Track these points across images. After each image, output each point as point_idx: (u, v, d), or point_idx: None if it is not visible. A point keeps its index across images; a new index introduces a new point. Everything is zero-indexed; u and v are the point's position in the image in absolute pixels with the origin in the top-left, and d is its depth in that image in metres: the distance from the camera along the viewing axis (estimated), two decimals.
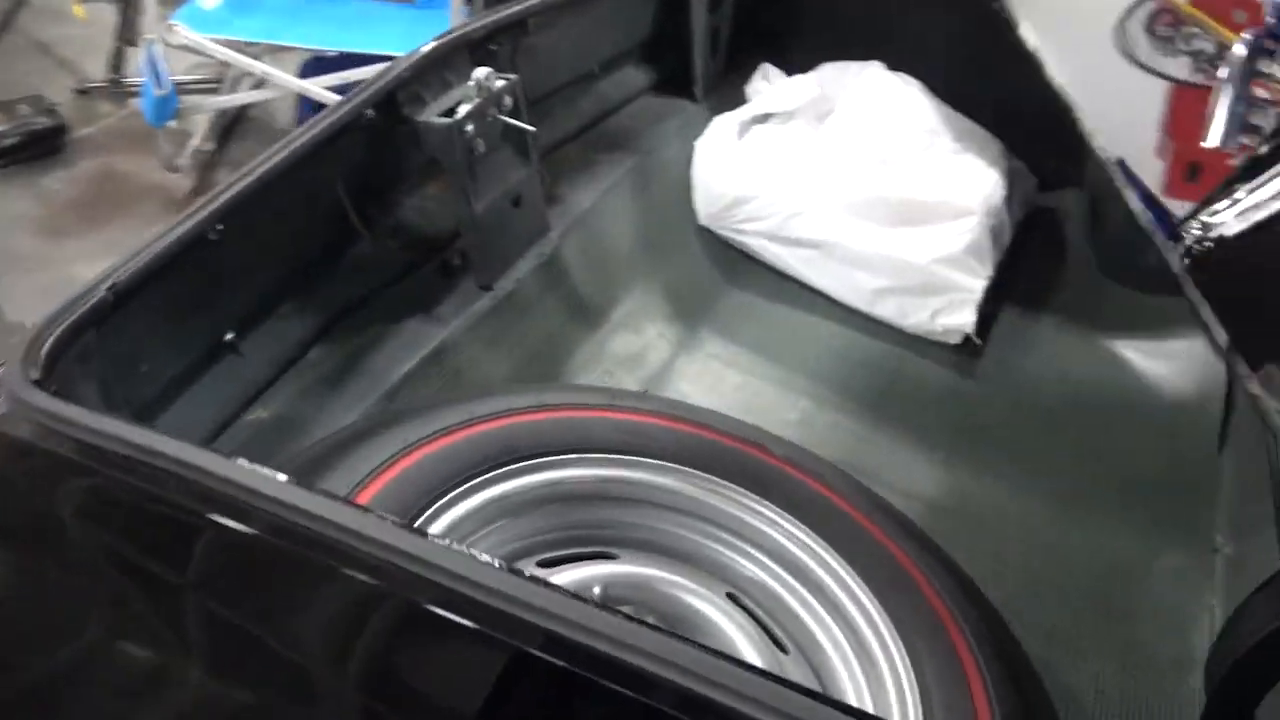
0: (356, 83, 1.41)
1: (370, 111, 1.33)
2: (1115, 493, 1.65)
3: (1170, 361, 1.90)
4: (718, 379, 1.69)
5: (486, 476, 1.08)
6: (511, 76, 1.51)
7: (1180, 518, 1.63)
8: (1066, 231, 2.16)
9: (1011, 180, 1.99)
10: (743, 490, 1.16)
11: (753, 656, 1.08)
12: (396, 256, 1.50)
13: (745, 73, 2.18)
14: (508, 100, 1.50)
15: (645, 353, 1.67)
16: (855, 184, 1.87)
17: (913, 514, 1.50)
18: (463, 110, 1.42)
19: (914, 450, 1.65)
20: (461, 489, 1.05)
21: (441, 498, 1.03)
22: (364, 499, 0.98)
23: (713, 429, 1.24)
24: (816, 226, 1.87)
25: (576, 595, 0.68)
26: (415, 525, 0.99)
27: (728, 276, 1.91)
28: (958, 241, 1.83)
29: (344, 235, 1.40)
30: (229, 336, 1.22)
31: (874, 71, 2.06)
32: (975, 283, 1.83)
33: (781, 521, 1.15)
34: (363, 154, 1.39)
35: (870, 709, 1.01)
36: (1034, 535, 1.56)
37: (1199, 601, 1.49)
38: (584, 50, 1.93)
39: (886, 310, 1.85)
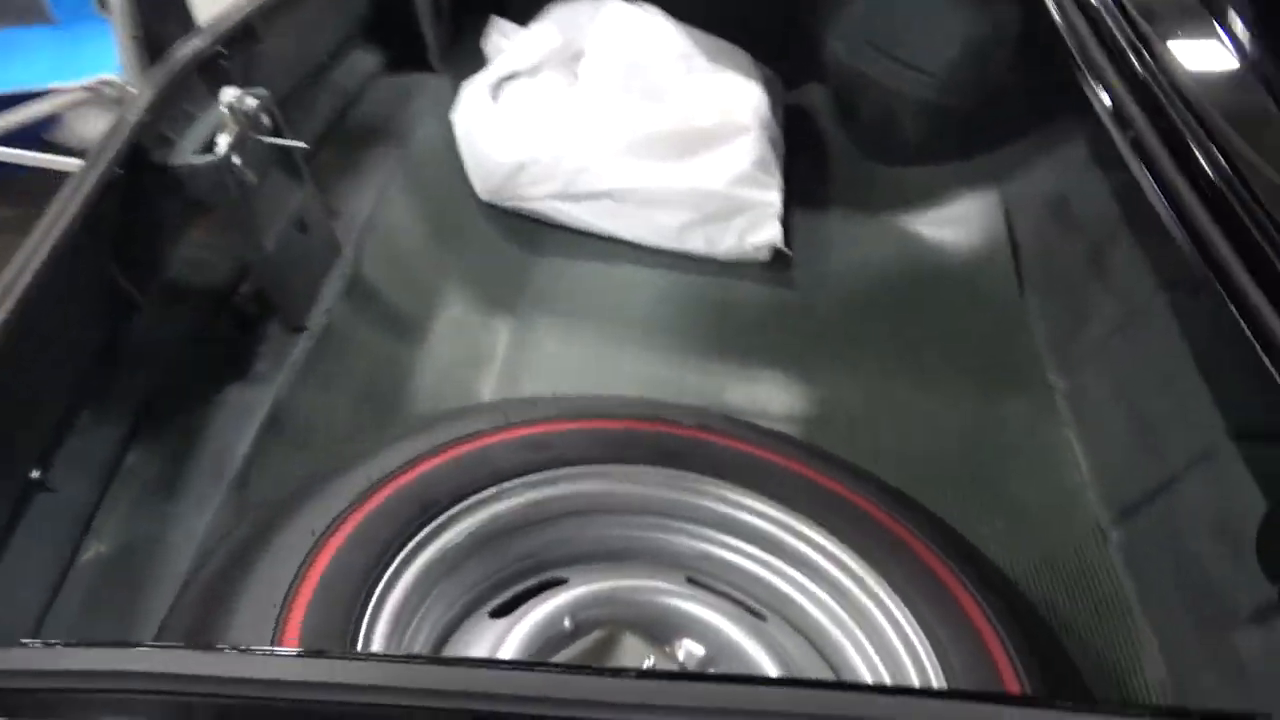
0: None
1: (119, 170, 1.13)
2: (951, 358, 1.74)
3: (952, 224, 2.00)
4: (561, 358, 1.61)
5: (414, 542, 0.96)
6: (261, 92, 1.33)
7: (1010, 364, 1.73)
8: (821, 125, 2.21)
9: (768, 87, 2.01)
10: (663, 470, 1.11)
11: (734, 632, 1.04)
12: (186, 321, 1.31)
13: (478, 33, 2.06)
14: (265, 119, 1.33)
15: (481, 353, 1.56)
16: (630, 125, 1.81)
17: (795, 432, 1.52)
18: (223, 142, 1.24)
19: (770, 373, 1.65)
20: (393, 566, 0.93)
21: (377, 583, 0.91)
22: (298, 614, 0.84)
23: (609, 416, 1.17)
24: (604, 176, 1.80)
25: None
26: (362, 625, 0.87)
27: (530, 249, 1.82)
28: (744, 159, 1.83)
29: (124, 317, 1.20)
30: (34, 474, 1.01)
31: (611, 6, 2.00)
32: (771, 195, 1.83)
33: (713, 489, 1.11)
34: (121, 220, 1.18)
35: (874, 654, 1.00)
36: (899, 417, 1.61)
37: (1056, 436, 1.59)
38: (309, 43, 1.74)
39: (695, 243, 1.83)
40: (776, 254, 1.84)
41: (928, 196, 2.03)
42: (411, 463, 1.01)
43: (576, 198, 1.82)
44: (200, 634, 0.85)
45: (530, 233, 1.84)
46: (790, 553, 1.09)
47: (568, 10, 2.05)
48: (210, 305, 1.38)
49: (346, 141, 1.77)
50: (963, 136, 2.06)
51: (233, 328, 1.37)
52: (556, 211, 1.83)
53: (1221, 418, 1.39)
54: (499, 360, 1.57)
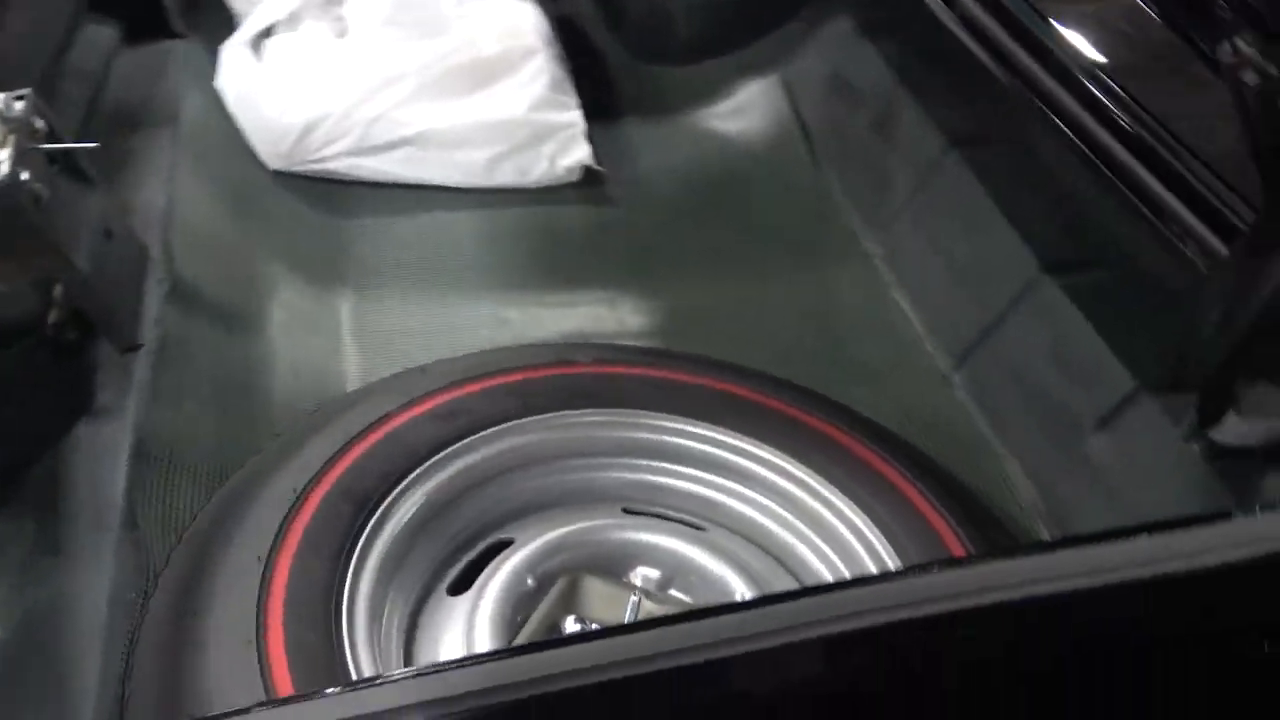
0: None
1: None
2: (771, 245, 1.81)
3: (742, 115, 2.06)
4: (407, 320, 1.55)
5: (364, 537, 0.92)
6: (25, 92, 1.18)
7: (826, 241, 1.82)
8: (591, 35, 2.19)
9: (539, 3, 1.96)
10: (576, 411, 1.11)
11: (684, 549, 1.07)
12: None
13: None
14: (39, 123, 1.18)
15: (326, 333, 1.48)
16: (415, 65, 1.73)
17: (657, 344, 1.55)
18: (5, 158, 1.09)
19: (614, 292, 1.67)
20: (351, 561, 0.90)
21: (342, 587, 0.87)
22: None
23: (505, 370, 1.15)
24: (400, 123, 1.72)
25: None
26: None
27: (340, 213, 1.72)
28: (539, 82, 1.80)
29: None
30: None
31: None
32: (574, 115, 1.82)
33: (627, 419, 1.12)
34: None
35: (822, 545, 1.06)
36: (743, 311, 1.67)
37: (886, 299, 1.70)
38: (34, 25, 1.55)
39: (506, 176, 1.79)
40: (588, 173, 1.83)
41: (713, 91, 2.07)
42: (329, 462, 0.97)
43: (375, 150, 1.73)
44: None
45: (335, 195, 1.74)
46: (724, 465, 1.13)
47: None
48: (19, 343, 1.23)
49: (108, 131, 1.60)
50: (734, 26, 2.10)
51: (56, 365, 1.23)
52: (357, 168, 1.74)
53: (1031, 254, 1.54)
54: (346, 336, 1.49)
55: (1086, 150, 1.39)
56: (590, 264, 1.72)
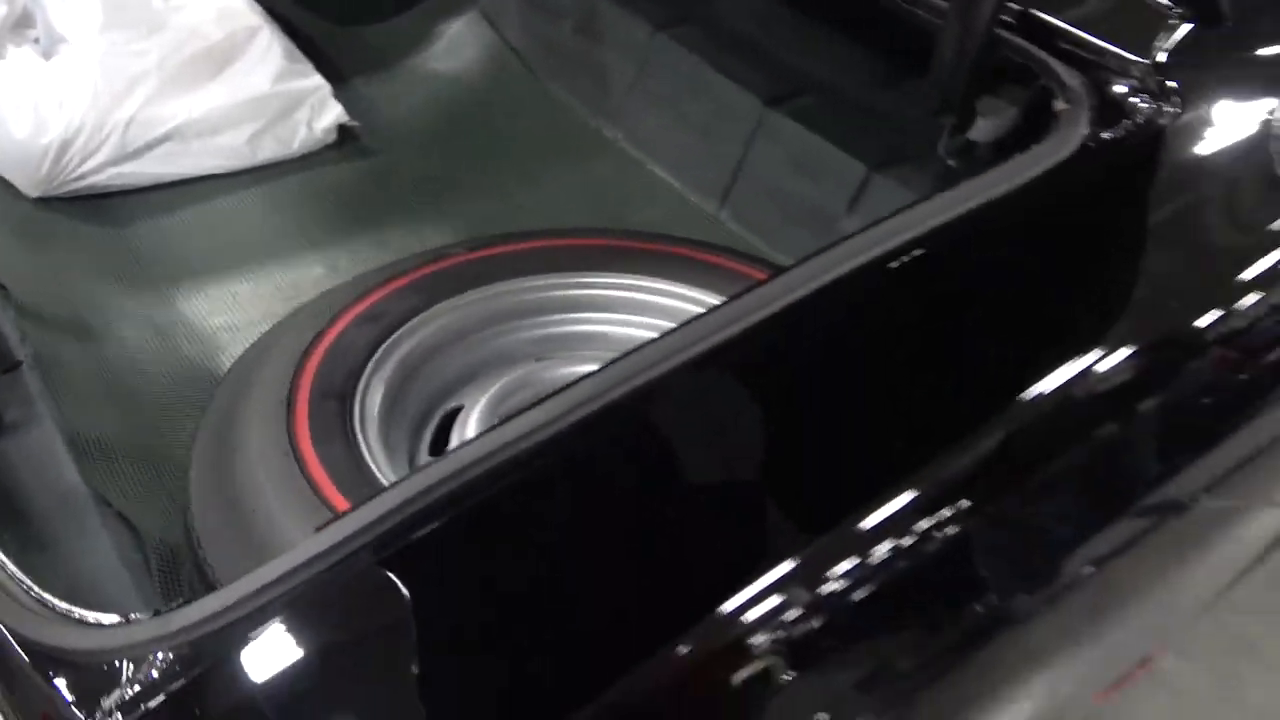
0: None
1: None
2: (529, 165, 1.98)
3: (453, 52, 2.20)
4: (236, 318, 1.58)
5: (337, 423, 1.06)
6: None
7: (574, 143, 2.03)
8: (284, 12, 2.24)
9: None
10: (480, 289, 1.27)
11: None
12: None
13: None
14: None
15: (173, 347, 1.50)
16: (151, 64, 1.75)
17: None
18: None
19: (414, 221, 1.79)
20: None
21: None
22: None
23: (403, 273, 1.30)
24: (153, 122, 1.74)
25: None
26: None
27: (120, 229, 1.70)
28: (273, 55, 1.87)
29: None
30: None
31: None
32: (316, 79, 1.91)
33: (526, 283, 1.30)
34: None
35: None
36: (533, 211, 1.84)
37: (642, 173, 1.94)
38: None
39: (269, 150, 1.85)
40: (343, 131, 1.93)
41: (425, 37, 2.20)
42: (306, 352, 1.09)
43: (136, 154, 1.74)
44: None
45: (109, 211, 1.73)
46: (602, 304, 1.32)
47: None
48: None
49: None
50: None
51: None
52: (122, 177, 1.74)
53: (752, 96, 1.83)
54: (186, 331, 1.53)
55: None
56: (375, 206, 1.83)
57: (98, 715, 0.64)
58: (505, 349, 1.30)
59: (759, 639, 0.70)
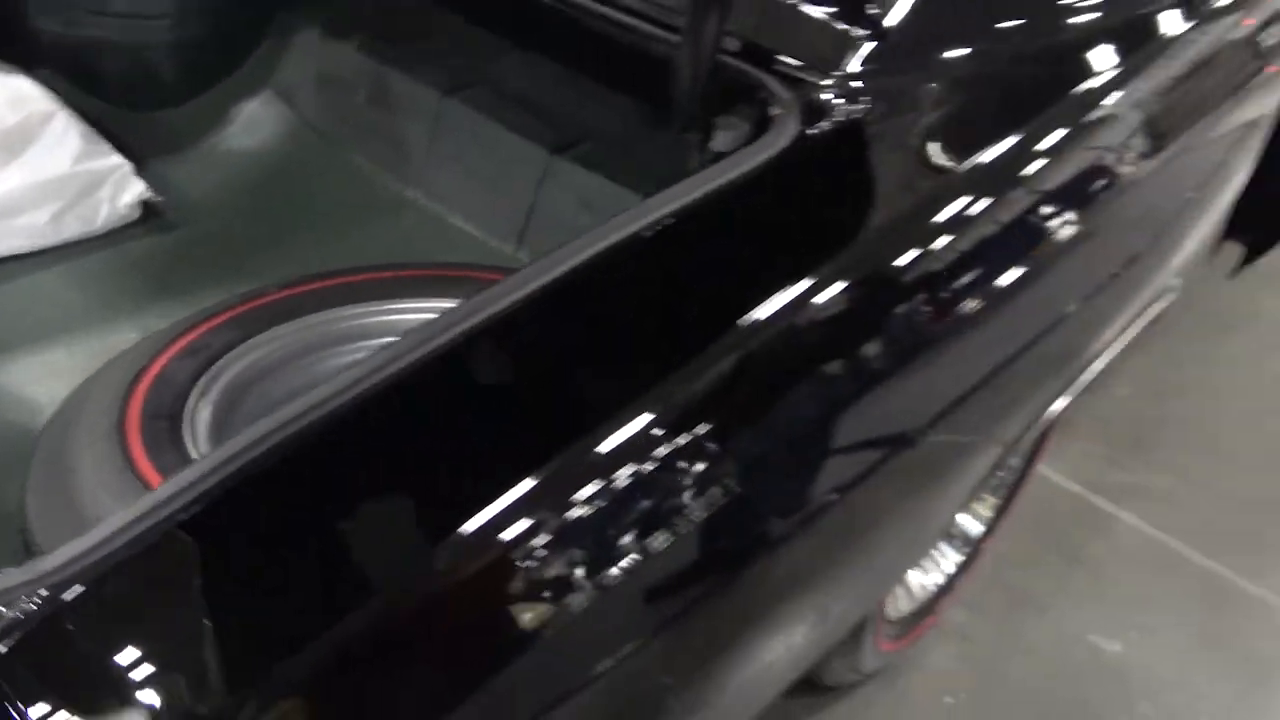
0: None
1: None
2: (335, 216, 2.11)
3: (252, 129, 2.30)
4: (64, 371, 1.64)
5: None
6: None
7: (377, 196, 2.17)
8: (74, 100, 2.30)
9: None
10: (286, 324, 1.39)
11: None
12: None
13: None
14: None
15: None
16: None
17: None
18: None
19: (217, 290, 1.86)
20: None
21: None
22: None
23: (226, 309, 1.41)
24: None
25: None
26: None
27: None
28: (71, 137, 1.93)
29: None
30: None
31: None
32: (116, 158, 1.97)
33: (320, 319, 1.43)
34: None
35: None
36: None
37: (443, 225, 2.10)
38: None
39: (72, 229, 1.90)
40: (147, 206, 2.00)
41: (223, 116, 2.30)
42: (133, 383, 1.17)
43: None
44: None
45: None
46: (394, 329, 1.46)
47: None
48: None
49: None
50: (211, 57, 2.34)
51: None
52: None
53: (540, 148, 2.01)
54: (13, 413, 1.56)
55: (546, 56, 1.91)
56: (184, 274, 1.90)
57: None
58: (316, 372, 1.40)
59: (516, 563, 0.83)
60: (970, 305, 1.21)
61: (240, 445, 0.82)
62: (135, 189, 1.96)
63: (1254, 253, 2.48)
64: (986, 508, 1.98)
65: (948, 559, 1.96)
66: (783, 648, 1.22)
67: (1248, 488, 2.51)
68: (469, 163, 2.12)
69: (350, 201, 2.16)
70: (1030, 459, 1.98)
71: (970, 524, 1.97)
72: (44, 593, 0.75)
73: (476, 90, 2.15)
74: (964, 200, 1.19)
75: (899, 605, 1.86)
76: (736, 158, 1.16)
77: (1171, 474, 2.51)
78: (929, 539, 1.53)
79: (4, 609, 0.74)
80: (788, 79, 1.29)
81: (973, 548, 1.98)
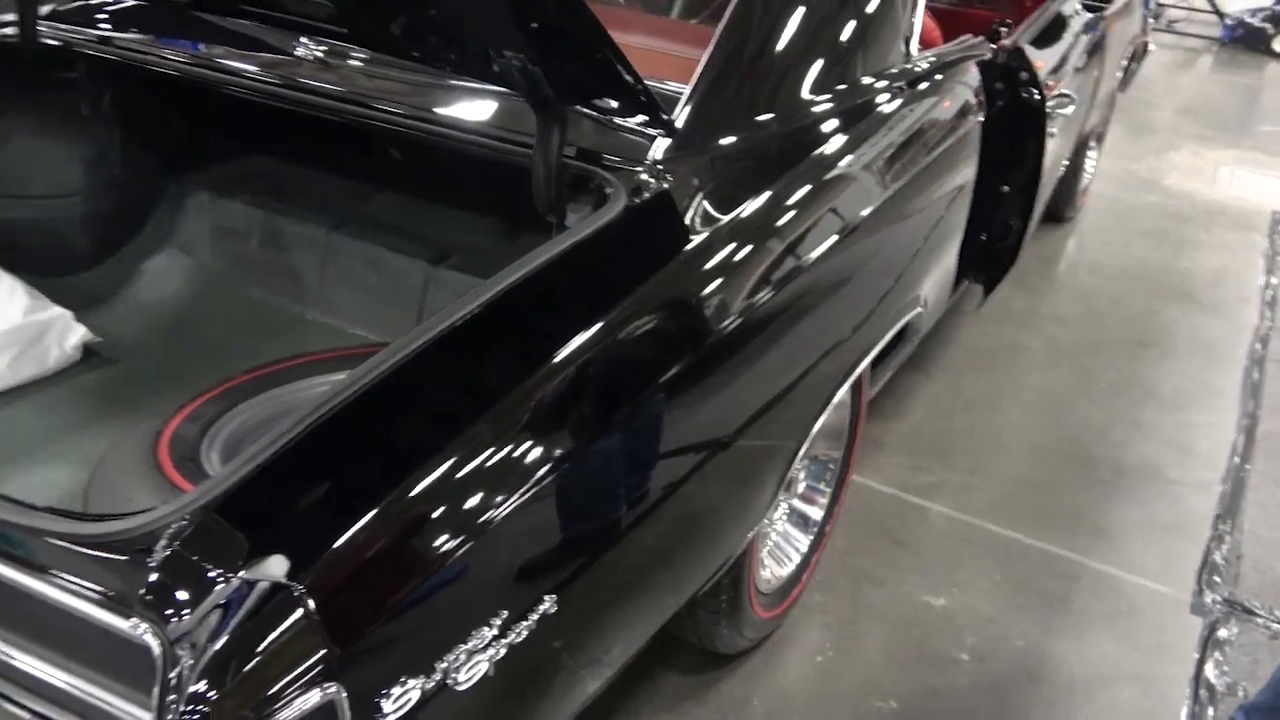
0: None
1: None
2: (273, 337, 2.47)
3: (165, 278, 2.65)
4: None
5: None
6: None
7: (292, 323, 2.55)
8: None
9: None
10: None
11: None
12: None
13: None
14: None
15: None
16: None
17: None
18: None
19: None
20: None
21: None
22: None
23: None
24: None
25: None
26: None
27: None
28: (18, 294, 2.25)
29: None
30: None
31: None
32: (57, 309, 2.29)
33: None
34: None
35: None
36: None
37: (347, 337, 2.49)
38: None
39: (28, 370, 2.21)
40: (86, 348, 2.32)
41: (131, 276, 2.65)
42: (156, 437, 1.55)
43: None
44: None
45: None
46: None
47: None
48: None
49: None
50: (117, 227, 2.69)
51: None
52: None
53: (421, 262, 2.45)
54: None
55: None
56: (129, 397, 2.22)
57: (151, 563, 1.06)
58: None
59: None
60: (744, 327, 1.70)
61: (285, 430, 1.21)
62: (78, 333, 2.29)
63: (988, 288, 3.13)
64: (823, 497, 2.47)
65: (801, 541, 2.42)
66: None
67: (1025, 474, 3.10)
68: (360, 282, 2.54)
69: (258, 326, 2.52)
70: (848, 454, 2.49)
71: (813, 511, 2.45)
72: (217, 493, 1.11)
73: (357, 224, 2.59)
74: (732, 245, 1.70)
75: (769, 581, 2.30)
76: (585, 221, 1.64)
77: (966, 471, 3.08)
78: (752, 518, 1.97)
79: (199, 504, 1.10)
80: (613, 169, 1.79)
81: (818, 530, 2.46)
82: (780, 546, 2.39)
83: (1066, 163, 4.03)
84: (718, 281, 1.65)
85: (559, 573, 1.33)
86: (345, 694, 1.03)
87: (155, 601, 1.04)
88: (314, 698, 1.01)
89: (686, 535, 1.72)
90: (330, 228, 2.58)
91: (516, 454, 1.27)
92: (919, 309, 2.42)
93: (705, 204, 1.77)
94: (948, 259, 2.70)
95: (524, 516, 1.26)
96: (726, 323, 1.65)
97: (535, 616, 1.26)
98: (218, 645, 0.99)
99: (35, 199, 2.58)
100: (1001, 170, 2.87)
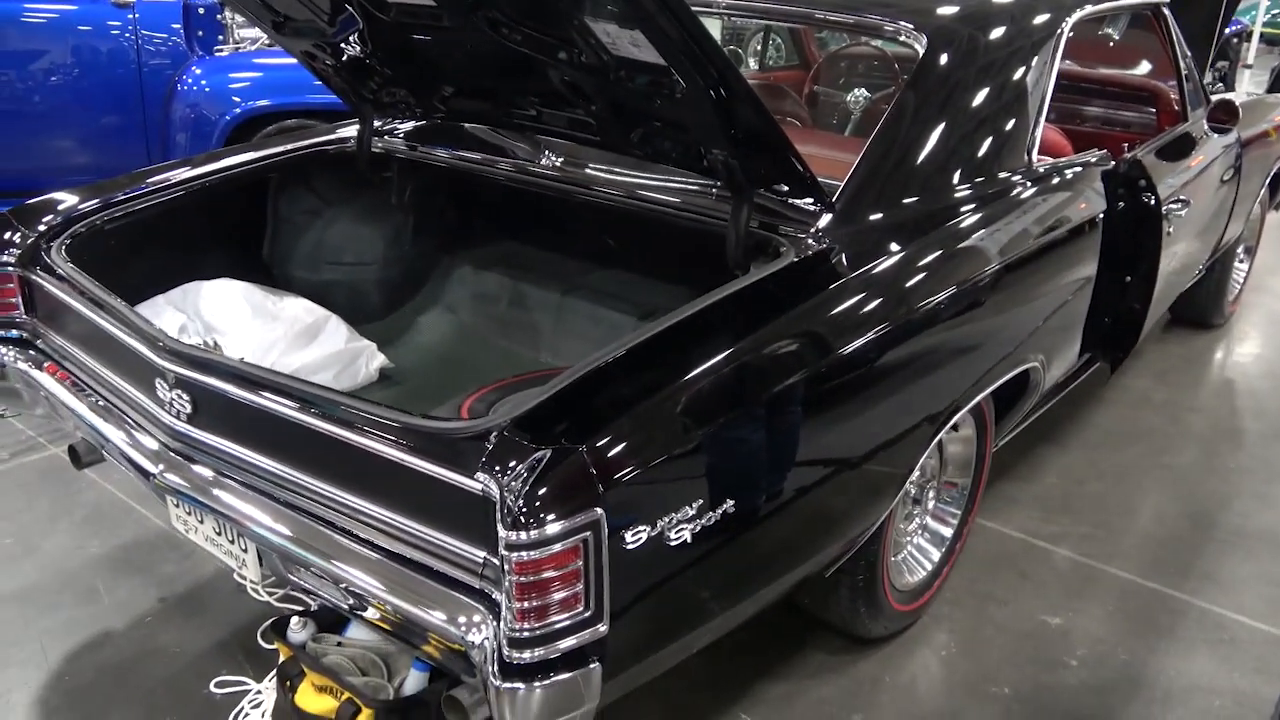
0: None
1: None
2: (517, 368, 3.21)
3: (418, 331, 3.45)
4: None
5: None
6: None
7: None
8: None
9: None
10: None
11: None
12: None
13: None
14: None
15: None
16: (276, 334, 2.91)
17: None
18: None
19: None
20: None
21: None
22: None
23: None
24: (281, 368, 2.86)
25: None
26: None
27: None
28: (340, 330, 3.07)
29: None
30: None
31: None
32: (366, 341, 3.10)
33: None
34: None
35: None
36: None
37: None
38: None
39: (345, 382, 2.99)
40: (383, 373, 3.11)
41: (408, 328, 3.46)
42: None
43: None
44: None
45: None
46: None
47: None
48: None
49: None
50: (406, 286, 3.52)
51: None
52: None
53: (632, 318, 3.14)
54: None
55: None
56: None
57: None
58: None
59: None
60: (883, 367, 2.28)
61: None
62: (379, 360, 3.08)
63: (1114, 366, 3.57)
64: (954, 519, 2.96)
65: (934, 553, 2.91)
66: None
67: (1148, 530, 3.47)
68: (584, 334, 3.24)
69: (505, 366, 3.26)
70: (975, 482, 2.97)
71: (944, 529, 2.95)
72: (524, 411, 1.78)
73: (584, 289, 3.31)
74: (870, 287, 2.29)
75: (904, 581, 2.80)
76: (764, 266, 2.27)
77: (1091, 525, 3.48)
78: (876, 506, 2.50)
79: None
80: (787, 236, 2.43)
81: (949, 545, 2.94)
82: (914, 555, 2.89)
83: (1203, 268, 4.43)
84: (854, 312, 2.25)
85: (738, 489, 1.93)
86: (604, 516, 1.66)
87: (490, 464, 1.70)
88: (590, 515, 1.64)
89: (822, 505, 2.26)
90: (562, 293, 3.31)
91: (712, 402, 1.90)
92: (1036, 364, 2.91)
93: (853, 258, 2.37)
94: (1070, 330, 3.18)
95: (714, 444, 1.88)
96: (863, 341, 2.23)
97: (720, 511, 1.87)
98: (531, 483, 1.64)
99: (346, 265, 3.45)
100: (1123, 262, 3.35)
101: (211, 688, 2.64)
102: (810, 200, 2.46)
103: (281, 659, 2.40)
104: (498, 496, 1.67)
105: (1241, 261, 5.26)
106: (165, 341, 2.21)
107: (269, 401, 2.05)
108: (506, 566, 1.66)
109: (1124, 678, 2.79)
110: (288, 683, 2.35)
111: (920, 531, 2.92)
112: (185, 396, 2.17)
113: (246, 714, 2.54)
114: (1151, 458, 3.96)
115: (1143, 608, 3.08)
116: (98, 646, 2.81)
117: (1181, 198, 3.52)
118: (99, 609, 2.95)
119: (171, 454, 2.27)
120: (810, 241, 2.39)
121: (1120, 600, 3.11)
